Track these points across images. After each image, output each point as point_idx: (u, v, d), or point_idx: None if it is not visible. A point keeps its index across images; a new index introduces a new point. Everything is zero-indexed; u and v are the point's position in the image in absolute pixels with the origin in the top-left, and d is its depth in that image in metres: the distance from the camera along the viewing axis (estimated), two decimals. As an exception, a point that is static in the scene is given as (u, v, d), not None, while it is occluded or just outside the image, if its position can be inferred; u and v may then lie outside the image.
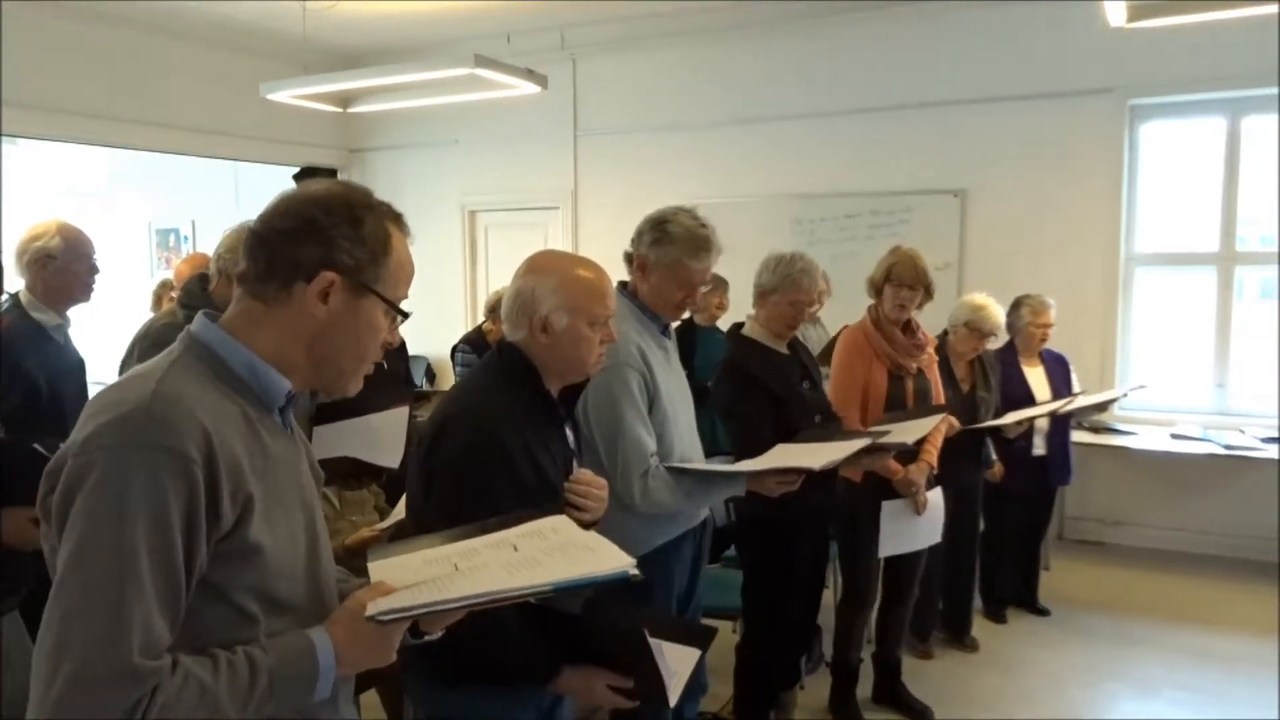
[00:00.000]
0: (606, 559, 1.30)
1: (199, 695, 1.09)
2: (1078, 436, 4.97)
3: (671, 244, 2.47)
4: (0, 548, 1.86)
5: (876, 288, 3.44)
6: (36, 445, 1.97)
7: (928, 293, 3.41)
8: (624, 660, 1.70)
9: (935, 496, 3.45)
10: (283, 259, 1.23)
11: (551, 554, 1.32)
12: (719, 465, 2.62)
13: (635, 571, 1.24)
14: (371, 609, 1.18)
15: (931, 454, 3.42)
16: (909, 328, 3.44)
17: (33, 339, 2.81)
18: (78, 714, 1.03)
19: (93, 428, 1.11)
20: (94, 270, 2.98)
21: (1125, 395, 4.92)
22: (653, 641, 1.63)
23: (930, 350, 3.55)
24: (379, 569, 1.31)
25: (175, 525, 1.08)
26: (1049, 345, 4.52)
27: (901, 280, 3.36)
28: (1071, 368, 4.63)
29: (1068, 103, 5.59)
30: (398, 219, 1.32)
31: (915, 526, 3.40)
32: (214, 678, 1.10)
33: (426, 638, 1.34)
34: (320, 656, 1.19)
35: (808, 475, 2.49)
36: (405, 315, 1.32)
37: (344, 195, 1.28)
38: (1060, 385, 4.48)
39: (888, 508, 3.33)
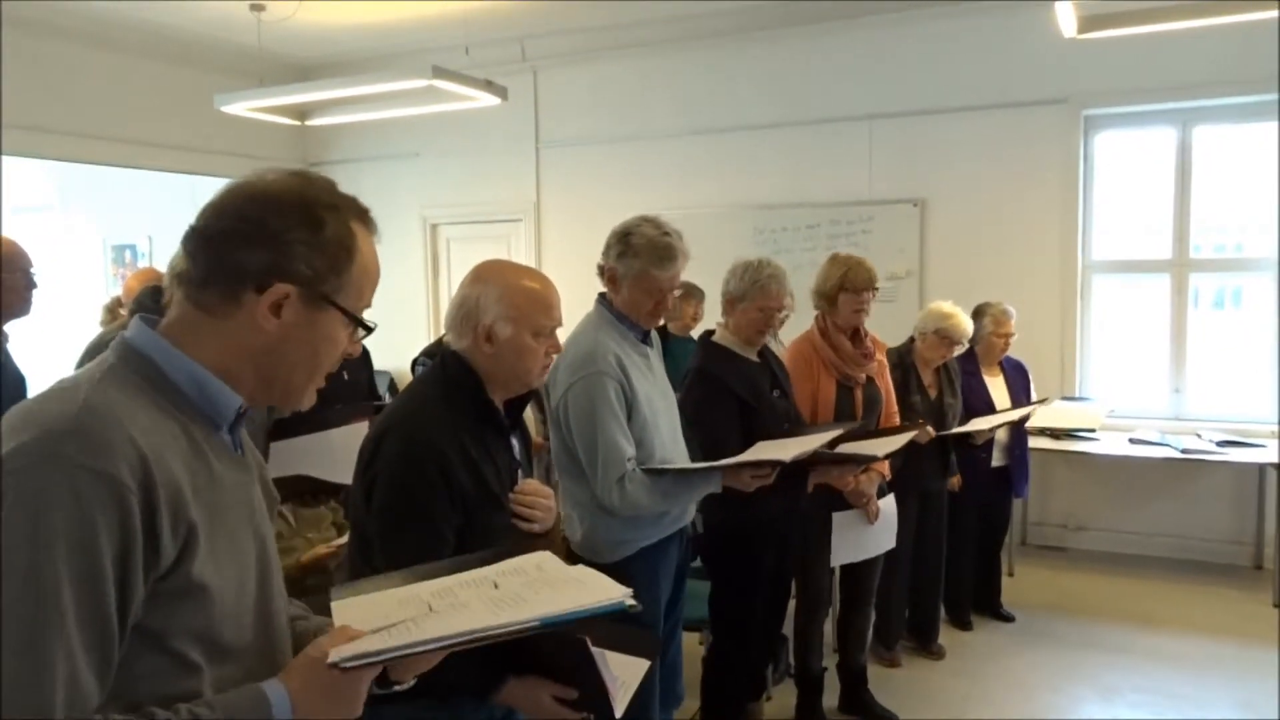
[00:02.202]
0: (596, 590, 1.21)
1: None
2: (1039, 443, 5.02)
3: (636, 256, 2.52)
4: None
5: (828, 297, 3.40)
6: None
7: (874, 294, 3.43)
8: (568, 670, 1.67)
9: (888, 504, 3.45)
10: (227, 264, 1.08)
11: (537, 589, 1.22)
12: (694, 464, 2.64)
13: (632, 602, 1.16)
14: (334, 655, 1.03)
15: (883, 464, 3.42)
16: (857, 336, 3.44)
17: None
18: None
19: (10, 446, 0.95)
20: (31, 284, 2.89)
21: (1094, 430, 5.03)
22: (597, 651, 1.60)
23: (880, 357, 3.55)
24: (342, 610, 1.18)
25: (105, 560, 0.93)
26: (1009, 353, 4.56)
27: (858, 285, 3.36)
28: (1030, 376, 4.67)
29: (1024, 113, 5.66)
30: (363, 216, 1.17)
31: (867, 535, 3.40)
32: None
33: (396, 688, 1.22)
34: (276, 713, 1.03)
35: (781, 469, 2.53)
36: (369, 329, 1.18)
37: (301, 192, 1.12)
38: (1020, 394, 4.52)
39: (839, 519, 3.32)
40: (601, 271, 2.61)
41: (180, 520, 1.00)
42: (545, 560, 1.35)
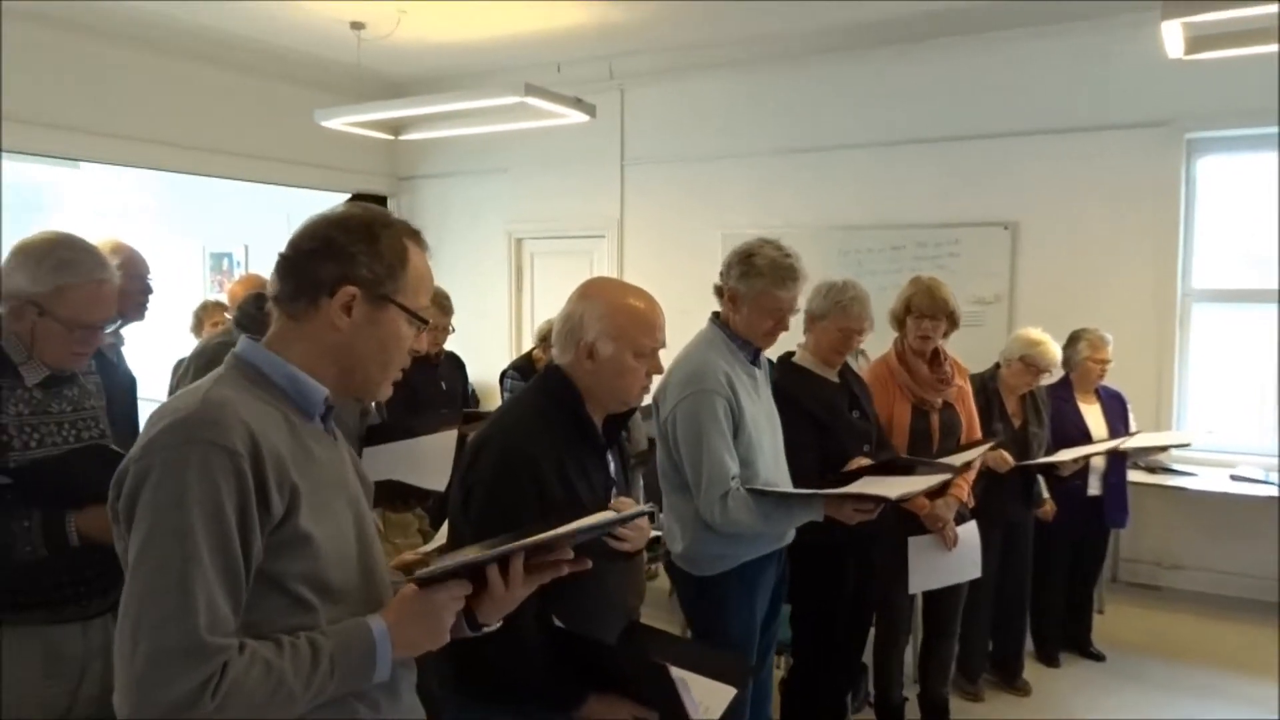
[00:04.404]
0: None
1: (265, 673, 1.17)
2: (1134, 476, 4.84)
3: (759, 276, 2.60)
4: (81, 544, 1.90)
5: (898, 320, 3.42)
6: (111, 445, 2.02)
7: (951, 321, 3.38)
8: (649, 693, 1.69)
9: (969, 531, 3.36)
10: (307, 278, 1.33)
11: None
12: (799, 489, 2.66)
13: (649, 507, 1.49)
14: (419, 574, 1.30)
15: (962, 488, 3.35)
16: (936, 360, 3.38)
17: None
18: (157, 689, 1.12)
19: (152, 434, 1.22)
20: (148, 290, 3.02)
21: (1189, 445, 4.78)
22: (679, 676, 1.63)
23: (960, 383, 3.48)
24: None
25: (229, 513, 1.18)
26: (1104, 382, 4.42)
27: (921, 311, 3.33)
28: (1128, 406, 4.51)
29: (1122, 135, 5.50)
30: (415, 235, 1.41)
31: (947, 562, 3.32)
32: (279, 658, 1.19)
33: (485, 629, 1.39)
34: (376, 638, 1.26)
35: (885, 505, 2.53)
36: (425, 322, 1.41)
37: (360, 215, 1.38)
38: (1117, 423, 4.37)
39: (915, 543, 3.27)
40: (720, 292, 2.68)
41: (284, 482, 1.24)
42: (602, 515, 1.57)
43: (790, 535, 2.75)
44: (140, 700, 1.12)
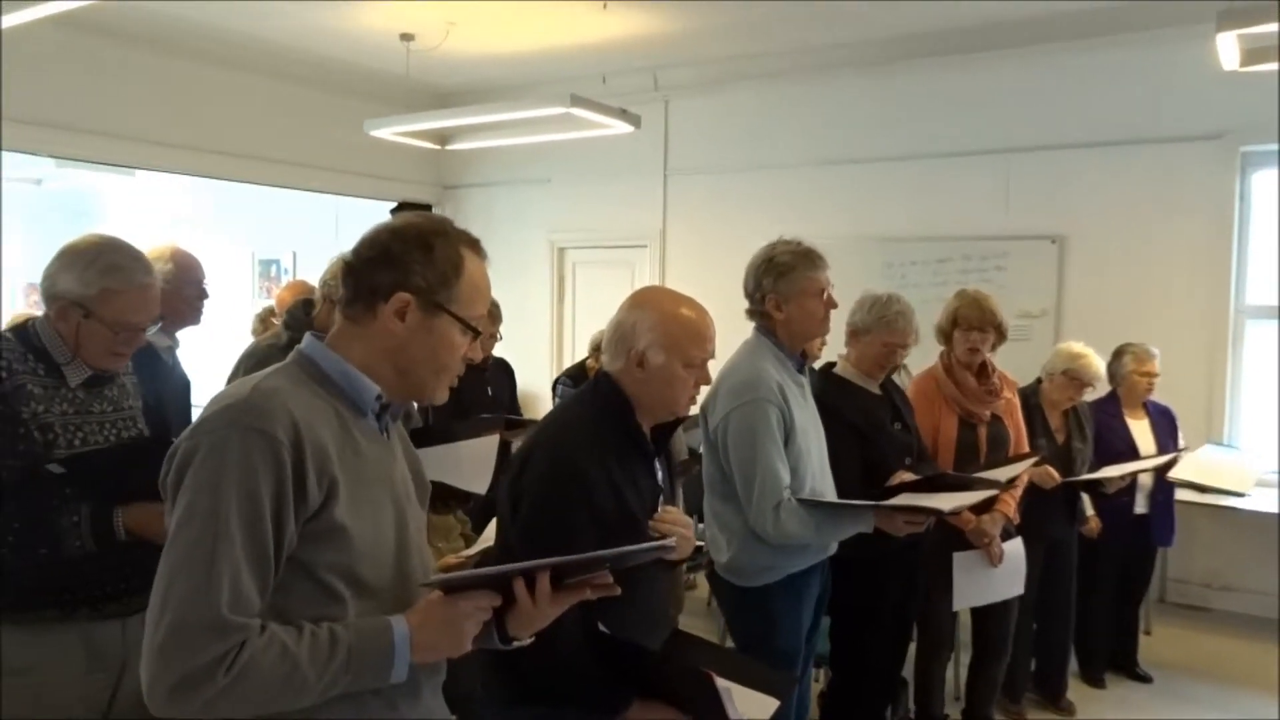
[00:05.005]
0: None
1: (280, 656, 1.21)
2: (1182, 495, 4.73)
3: (791, 268, 2.59)
4: (130, 538, 1.94)
5: (945, 334, 3.40)
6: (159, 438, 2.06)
7: (999, 334, 3.35)
8: (693, 701, 1.70)
9: (1014, 547, 3.32)
10: (365, 284, 1.38)
11: None
12: (850, 500, 2.64)
13: (669, 543, 1.48)
14: (435, 579, 1.32)
15: (1008, 504, 3.31)
16: (984, 373, 3.34)
17: (147, 360, 2.91)
18: (177, 658, 1.17)
19: (203, 417, 1.29)
20: (203, 294, 3.09)
21: (1243, 495, 4.59)
22: (723, 685, 1.63)
23: (1008, 395, 3.44)
24: None
25: (264, 497, 1.22)
26: (1154, 398, 4.34)
27: (969, 323, 3.30)
28: (1178, 422, 4.43)
29: (1176, 148, 5.41)
30: (473, 244, 1.44)
31: (992, 578, 3.28)
32: (297, 644, 1.22)
33: (516, 643, 1.40)
34: (396, 638, 1.28)
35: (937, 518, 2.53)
36: (477, 332, 1.44)
37: (418, 225, 1.42)
38: (1166, 439, 4.29)
39: (960, 559, 3.22)
40: (759, 305, 2.65)
41: (324, 474, 1.28)
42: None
43: (834, 546, 2.74)
44: (160, 668, 1.18)
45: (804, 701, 2.82)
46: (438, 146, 6.76)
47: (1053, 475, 3.66)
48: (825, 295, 2.62)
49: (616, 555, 1.36)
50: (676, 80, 6.87)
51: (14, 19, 4.37)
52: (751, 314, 2.69)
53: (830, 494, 2.66)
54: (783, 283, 2.59)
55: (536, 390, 7.23)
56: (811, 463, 2.60)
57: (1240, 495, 4.74)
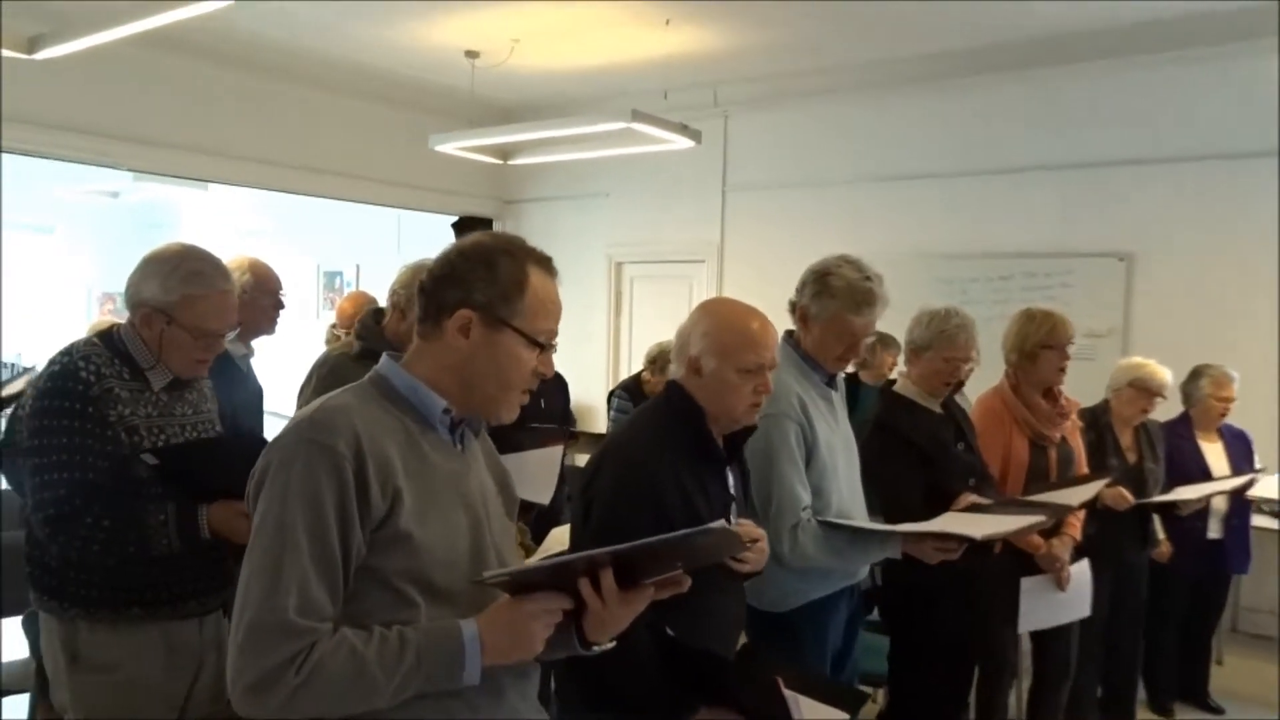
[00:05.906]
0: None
1: (349, 657, 1.25)
2: (1258, 521, 4.60)
3: (833, 297, 2.42)
4: (213, 537, 1.99)
5: (1028, 354, 3.24)
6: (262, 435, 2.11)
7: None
8: (761, 709, 1.69)
9: (1080, 569, 3.23)
10: (434, 302, 1.44)
11: None
12: (875, 524, 2.54)
13: (729, 527, 1.52)
14: (483, 576, 1.33)
15: (1075, 526, 3.23)
16: (1050, 393, 3.27)
17: (223, 367, 3.00)
18: (252, 658, 1.24)
19: (279, 434, 1.37)
20: (279, 305, 3.18)
21: None
22: (790, 696, 1.63)
23: (1074, 417, 3.37)
24: None
25: (328, 507, 1.28)
26: (1227, 420, 4.23)
27: (1064, 341, 3.21)
28: (1254, 445, 4.31)
29: (1245, 165, 5.27)
30: (542, 261, 1.47)
31: (1059, 601, 3.20)
32: (366, 646, 1.26)
33: (595, 648, 1.42)
34: (465, 640, 1.30)
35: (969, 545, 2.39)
36: (541, 346, 1.46)
37: (484, 243, 1.46)
38: (1241, 463, 4.17)
39: (1028, 584, 3.13)
40: (793, 309, 2.53)
41: (388, 485, 1.32)
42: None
43: (864, 572, 2.61)
44: (240, 666, 1.25)
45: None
46: (500, 161, 6.86)
47: (1126, 497, 3.57)
48: (853, 342, 2.46)
49: (675, 540, 1.34)
50: (736, 96, 6.88)
51: (99, 39, 4.55)
52: (790, 308, 2.55)
53: (860, 516, 2.52)
54: (817, 303, 2.45)
55: (591, 403, 7.27)
56: (838, 482, 2.45)
57: None
